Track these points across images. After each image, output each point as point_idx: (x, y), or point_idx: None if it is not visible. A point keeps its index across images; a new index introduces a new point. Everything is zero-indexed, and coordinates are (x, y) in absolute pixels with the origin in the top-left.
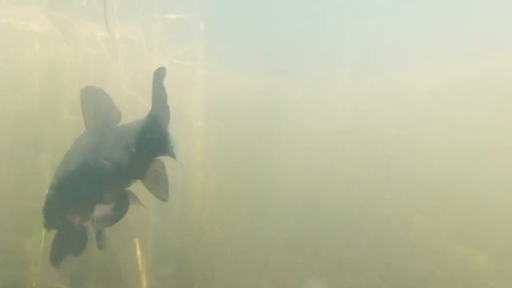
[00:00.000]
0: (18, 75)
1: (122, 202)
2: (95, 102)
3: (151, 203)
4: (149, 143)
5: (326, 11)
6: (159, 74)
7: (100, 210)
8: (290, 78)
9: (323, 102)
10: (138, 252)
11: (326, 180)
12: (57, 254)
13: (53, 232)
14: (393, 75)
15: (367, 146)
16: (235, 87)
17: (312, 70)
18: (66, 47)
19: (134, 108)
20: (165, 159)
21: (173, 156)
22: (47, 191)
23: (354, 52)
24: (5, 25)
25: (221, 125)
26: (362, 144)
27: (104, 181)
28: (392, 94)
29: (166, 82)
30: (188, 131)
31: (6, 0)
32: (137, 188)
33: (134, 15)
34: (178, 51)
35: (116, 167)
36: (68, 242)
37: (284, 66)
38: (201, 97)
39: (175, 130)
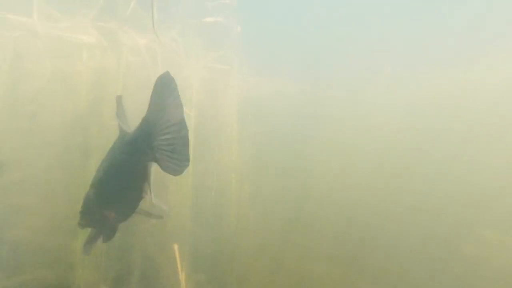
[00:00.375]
0: (68, 84)
1: (135, 200)
2: (126, 110)
3: (188, 210)
4: (138, 152)
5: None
6: (161, 82)
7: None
8: (329, 81)
9: (367, 104)
10: (177, 258)
11: (370, 188)
12: (88, 246)
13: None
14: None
15: (421, 148)
16: (271, 91)
17: (355, 72)
18: (111, 56)
19: None
20: None
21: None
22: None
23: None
24: (58, 37)
25: (255, 130)
26: (416, 146)
27: (132, 179)
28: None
29: (177, 87)
30: (221, 136)
31: (60, 13)
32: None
33: (172, 22)
34: (214, 55)
35: (128, 168)
36: (99, 237)
37: (322, 69)
38: (236, 101)
39: (209, 135)
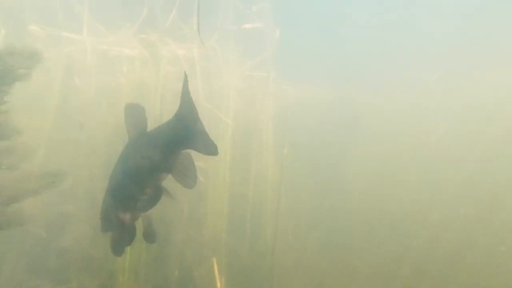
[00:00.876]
0: (111, 97)
1: (156, 194)
2: (136, 116)
3: (224, 221)
4: (177, 139)
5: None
6: (185, 80)
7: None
8: (369, 87)
9: (411, 110)
10: (216, 272)
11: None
12: (115, 247)
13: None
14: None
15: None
16: (308, 98)
17: (397, 78)
18: (151, 68)
19: (212, 121)
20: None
21: (203, 151)
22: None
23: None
24: (104, 51)
25: (293, 139)
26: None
27: (144, 179)
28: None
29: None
30: (258, 145)
31: (105, 28)
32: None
33: (211, 31)
34: (251, 63)
35: (152, 165)
36: (122, 238)
37: (361, 75)
38: (272, 109)
39: (246, 144)
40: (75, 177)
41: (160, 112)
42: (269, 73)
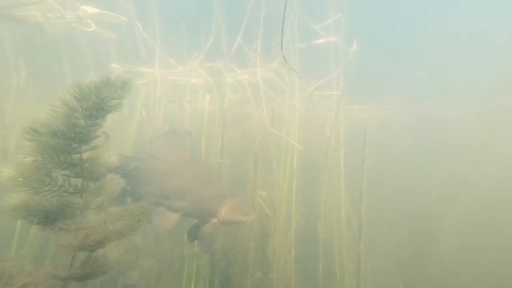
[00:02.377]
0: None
1: None
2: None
3: (291, 263)
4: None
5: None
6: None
7: None
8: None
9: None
10: None
11: None
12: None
13: None
14: None
15: None
16: (382, 119)
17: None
18: (215, 96)
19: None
20: None
21: None
22: None
23: None
24: (172, 81)
25: (367, 165)
26: None
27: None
28: None
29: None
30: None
31: (174, 60)
32: None
33: (275, 51)
34: (317, 82)
35: None
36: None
37: (440, 90)
38: (342, 133)
39: (313, 172)
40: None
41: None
42: (339, 93)
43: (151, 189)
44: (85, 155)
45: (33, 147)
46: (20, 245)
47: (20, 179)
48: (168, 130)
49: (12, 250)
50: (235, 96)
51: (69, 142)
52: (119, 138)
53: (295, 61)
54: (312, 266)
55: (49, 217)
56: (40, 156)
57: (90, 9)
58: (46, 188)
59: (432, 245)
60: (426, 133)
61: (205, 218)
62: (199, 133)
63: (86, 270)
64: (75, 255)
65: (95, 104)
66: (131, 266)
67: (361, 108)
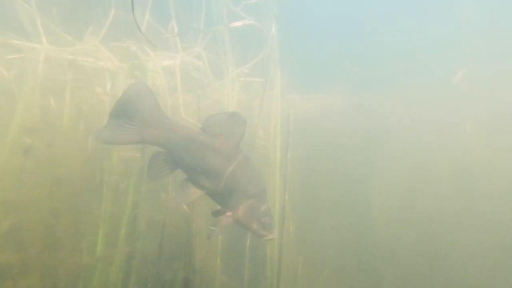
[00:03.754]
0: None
1: None
2: None
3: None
4: None
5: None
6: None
7: None
8: (386, 93)
9: (437, 120)
10: None
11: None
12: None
13: None
14: None
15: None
16: (316, 108)
17: (420, 85)
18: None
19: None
20: None
21: None
22: None
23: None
24: (72, 61)
25: (301, 154)
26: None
27: None
28: None
29: None
30: (262, 163)
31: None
32: None
33: (195, 35)
34: (245, 67)
35: None
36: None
37: (376, 80)
38: (277, 121)
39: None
40: None
41: None
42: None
43: (190, 161)
44: None
45: None
46: None
47: None
48: (230, 112)
49: None
50: (161, 82)
51: None
52: None
53: (222, 44)
54: (237, 259)
55: None
56: None
57: None
58: None
59: (370, 231)
60: (364, 123)
61: (224, 208)
62: None
63: None
64: None
65: None
66: None
67: (302, 98)
